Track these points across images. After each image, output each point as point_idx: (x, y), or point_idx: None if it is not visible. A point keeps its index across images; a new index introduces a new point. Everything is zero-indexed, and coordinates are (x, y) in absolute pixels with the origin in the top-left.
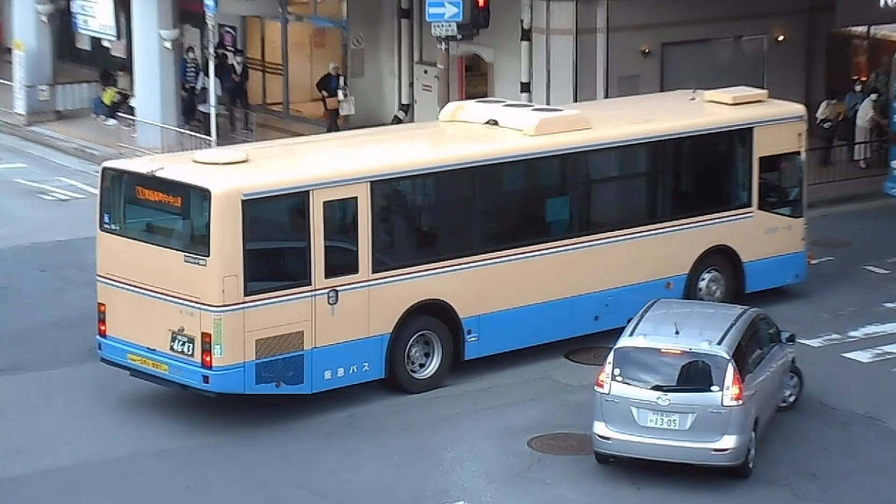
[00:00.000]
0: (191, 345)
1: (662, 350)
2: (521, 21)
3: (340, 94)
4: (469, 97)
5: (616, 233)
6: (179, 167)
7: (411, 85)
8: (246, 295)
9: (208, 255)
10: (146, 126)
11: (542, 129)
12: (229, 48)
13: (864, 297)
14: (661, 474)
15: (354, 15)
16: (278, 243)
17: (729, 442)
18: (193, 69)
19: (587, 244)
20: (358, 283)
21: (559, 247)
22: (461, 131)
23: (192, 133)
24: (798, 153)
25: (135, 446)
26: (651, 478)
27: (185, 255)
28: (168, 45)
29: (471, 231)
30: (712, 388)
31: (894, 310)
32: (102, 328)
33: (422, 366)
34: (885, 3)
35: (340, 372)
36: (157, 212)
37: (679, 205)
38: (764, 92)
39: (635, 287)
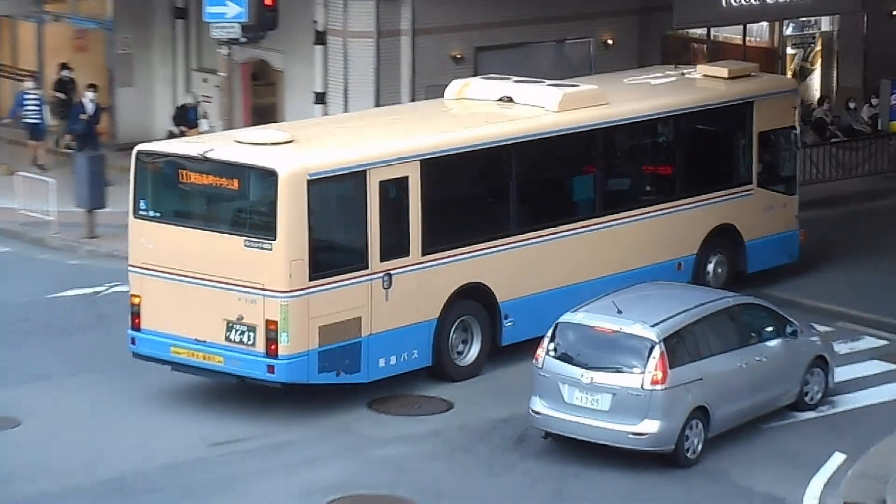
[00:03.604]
0: (252, 334)
1: (595, 328)
2: (315, 22)
3: (204, 123)
4: (255, 108)
5: (638, 211)
6: (231, 148)
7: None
8: (310, 279)
9: (275, 239)
10: None
11: (565, 104)
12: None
13: None
14: None
15: (121, 14)
16: (338, 225)
17: (649, 427)
18: (37, 102)
19: (612, 223)
20: (409, 266)
21: (588, 226)
22: (481, 109)
23: None
24: (793, 127)
25: None
26: None
27: (246, 240)
28: None
29: (512, 212)
30: (634, 369)
31: None
32: (136, 322)
33: (459, 353)
34: (728, 3)
35: (393, 360)
36: (207, 195)
37: (693, 181)
38: (755, 65)
39: (652, 268)
